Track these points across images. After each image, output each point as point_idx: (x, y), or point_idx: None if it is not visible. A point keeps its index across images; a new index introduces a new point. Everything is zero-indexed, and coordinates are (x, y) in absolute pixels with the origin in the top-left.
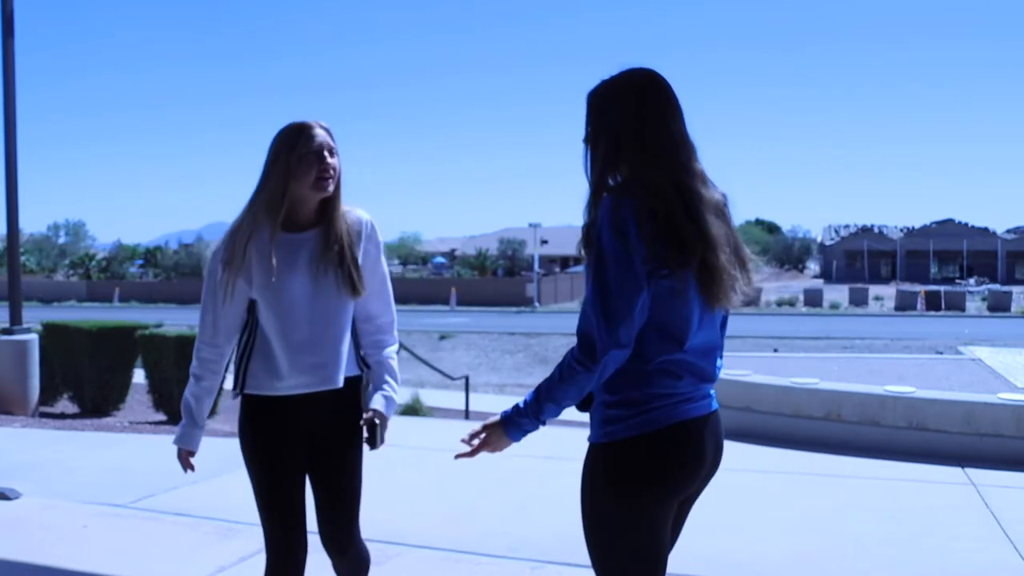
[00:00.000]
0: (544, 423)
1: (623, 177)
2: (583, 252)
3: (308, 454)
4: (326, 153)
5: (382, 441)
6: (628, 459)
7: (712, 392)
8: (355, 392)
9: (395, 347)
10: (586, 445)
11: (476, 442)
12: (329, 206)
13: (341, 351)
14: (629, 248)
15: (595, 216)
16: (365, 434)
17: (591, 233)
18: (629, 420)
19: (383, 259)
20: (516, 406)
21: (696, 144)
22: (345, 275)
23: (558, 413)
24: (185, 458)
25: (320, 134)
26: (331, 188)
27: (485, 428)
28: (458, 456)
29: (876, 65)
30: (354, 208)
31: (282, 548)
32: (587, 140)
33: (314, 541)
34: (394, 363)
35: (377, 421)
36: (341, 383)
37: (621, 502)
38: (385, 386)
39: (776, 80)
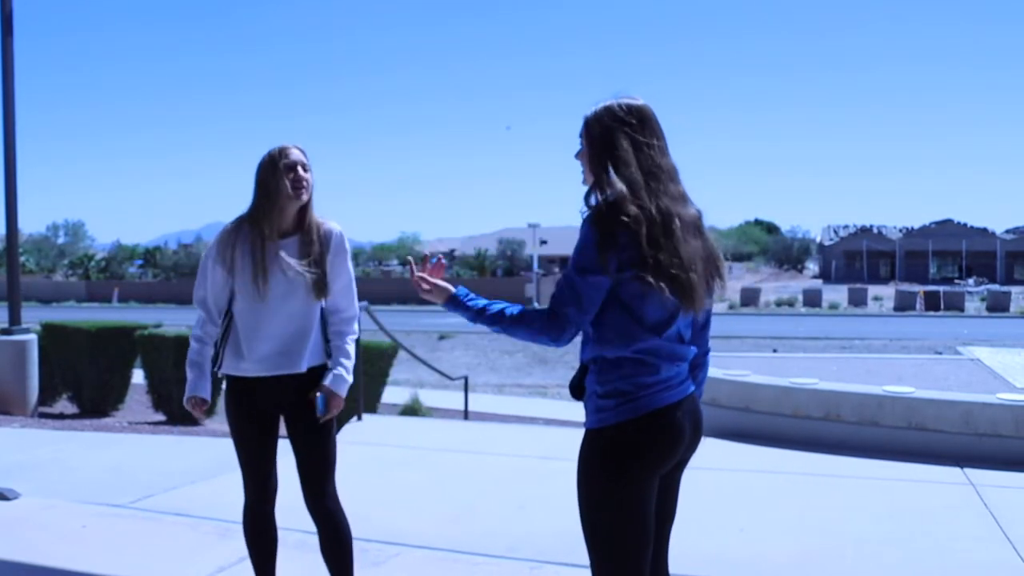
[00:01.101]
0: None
1: (613, 197)
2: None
3: (287, 425)
4: (299, 167)
5: (325, 412)
6: (618, 441)
7: (688, 375)
8: (321, 376)
9: (354, 336)
10: None
11: (425, 285)
12: (304, 218)
13: (306, 343)
14: (601, 259)
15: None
16: (317, 407)
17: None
18: (618, 408)
19: (349, 263)
20: (471, 302)
21: (678, 167)
22: (315, 279)
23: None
24: (197, 405)
25: (295, 153)
26: (304, 196)
27: (436, 287)
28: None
29: (876, 65)
30: (328, 220)
31: (251, 493)
32: (579, 156)
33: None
34: (350, 348)
35: (319, 393)
36: (304, 368)
37: (612, 478)
38: (338, 367)
39: (776, 80)
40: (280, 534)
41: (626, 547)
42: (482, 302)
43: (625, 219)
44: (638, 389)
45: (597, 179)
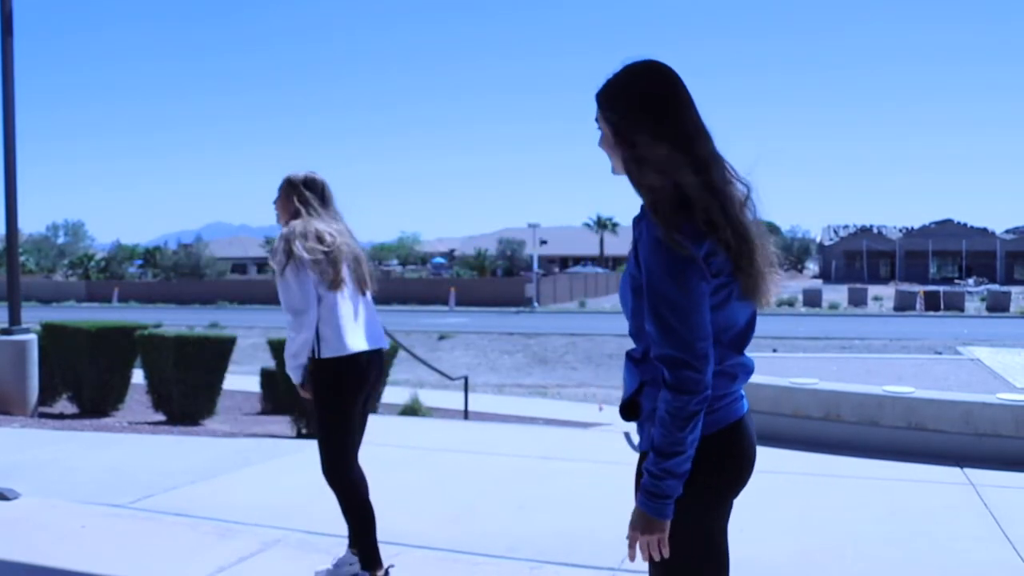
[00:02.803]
0: (684, 477)
1: (659, 187)
2: (635, 264)
3: None
4: None
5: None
6: (697, 461)
7: None
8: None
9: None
10: (585, 445)
11: (639, 549)
12: None
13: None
14: (691, 283)
15: (646, 228)
16: None
17: (640, 252)
18: None
19: (276, 264)
20: (647, 486)
21: (711, 131)
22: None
23: (688, 463)
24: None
25: None
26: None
27: (652, 536)
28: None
29: (876, 65)
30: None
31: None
32: (602, 144)
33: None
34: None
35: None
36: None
37: (692, 504)
38: None
39: (775, 79)
40: (280, 534)
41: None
42: (674, 475)
43: (691, 213)
44: (715, 401)
45: (631, 167)
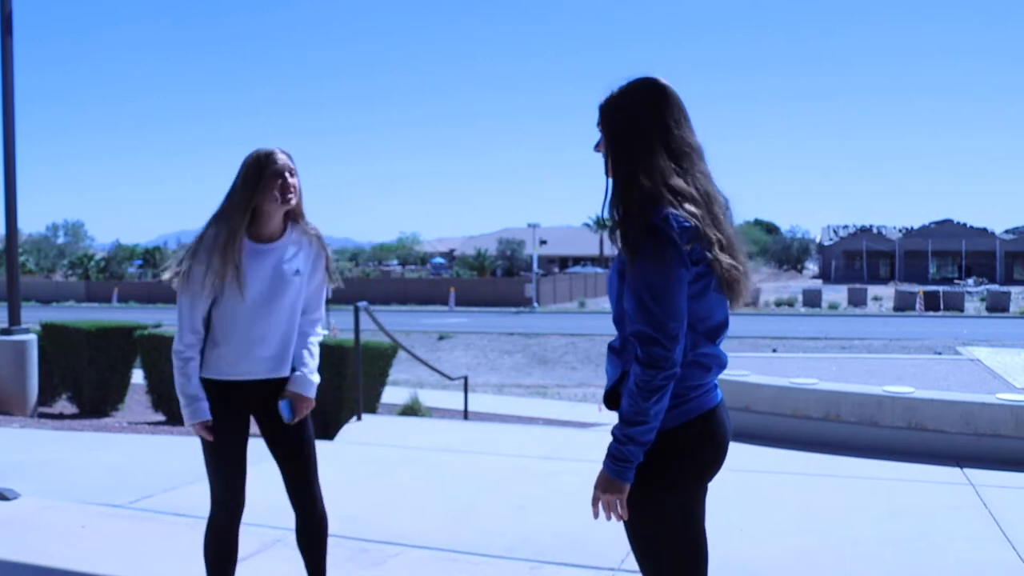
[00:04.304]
0: (646, 445)
1: (648, 185)
2: (623, 253)
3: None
4: (287, 174)
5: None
6: (671, 448)
7: None
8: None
9: (318, 338)
10: (585, 445)
11: (601, 507)
12: (291, 221)
13: (291, 345)
14: (670, 266)
15: (630, 221)
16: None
17: (627, 240)
18: (670, 412)
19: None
20: (611, 449)
21: (703, 147)
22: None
23: (652, 433)
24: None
25: (282, 158)
26: (293, 202)
27: (597, 491)
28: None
29: (877, 65)
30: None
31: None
32: (598, 148)
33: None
34: (316, 349)
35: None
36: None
37: (668, 490)
38: (303, 367)
39: (775, 79)
40: (280, 534)
41: (683, 564)
42: (637, 442)
43: (680, 207)
44: (689, 391)
45: (621, 169)
